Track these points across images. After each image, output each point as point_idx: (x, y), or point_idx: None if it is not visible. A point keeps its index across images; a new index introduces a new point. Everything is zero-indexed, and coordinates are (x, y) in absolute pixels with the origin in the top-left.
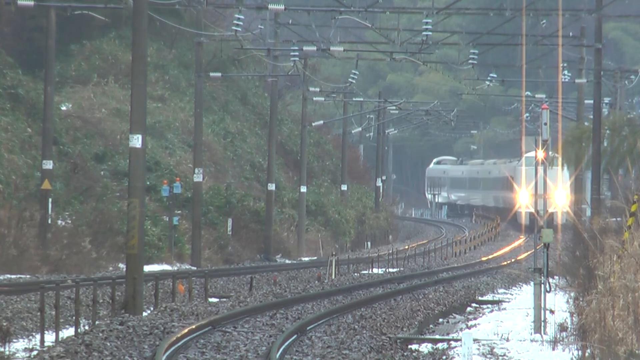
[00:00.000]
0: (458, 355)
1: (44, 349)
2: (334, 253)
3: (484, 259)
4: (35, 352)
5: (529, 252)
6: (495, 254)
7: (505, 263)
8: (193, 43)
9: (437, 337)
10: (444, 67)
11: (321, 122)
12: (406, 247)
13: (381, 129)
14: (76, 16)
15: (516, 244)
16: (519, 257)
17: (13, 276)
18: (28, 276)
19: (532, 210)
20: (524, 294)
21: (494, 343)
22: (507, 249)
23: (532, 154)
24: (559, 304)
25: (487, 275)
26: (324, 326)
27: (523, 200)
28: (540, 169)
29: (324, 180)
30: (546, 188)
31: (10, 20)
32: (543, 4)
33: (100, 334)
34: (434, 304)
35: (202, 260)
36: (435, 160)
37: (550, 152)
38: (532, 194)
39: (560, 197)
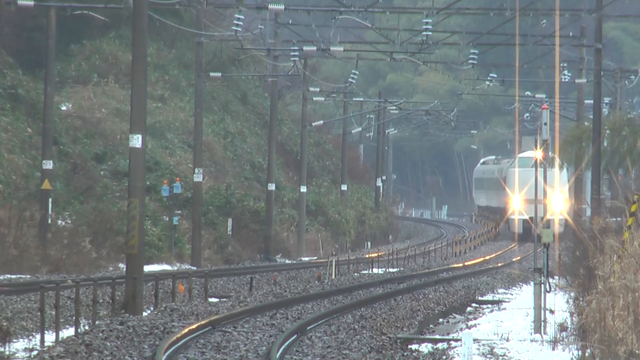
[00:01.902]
0: (458, 355)
1: (44, 349)
2: (333, 253)
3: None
4: (35, 352)
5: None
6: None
7: (500, 264)
8: (193, 43)
9: (437, 337)
10: (444, 67)
11: (321, 122)
12: (407, 247)
13: (381, 129)
14: (76, 16)
15: (511, 245)
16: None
17: (13, 276)
18: (28, 276)
19: (526, 216)
20: (524, 294)
21: (494, 343)
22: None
23: (526, 154)
24: (559, 304)
25: (487, 275)
26: (324, 326)
27: (516, 205)
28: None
29: (324, 180)
30: (542, 192)
31: (10, 20)
32: (543, 4)
33: (100, 334)
34: (434, 304)
35: (202, 260)
36: (482, 160)
37: (550, 153)
38: (525, 199)
39: (557, 202)
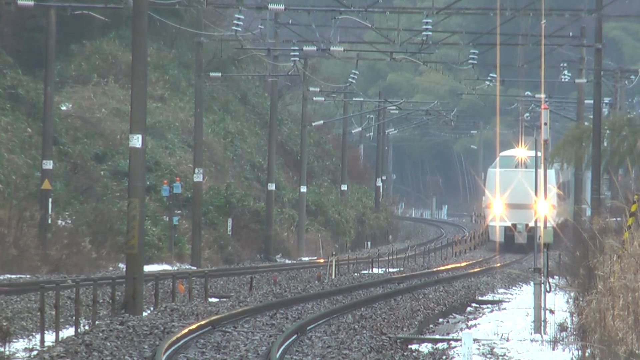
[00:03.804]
0: (458, 355)
1: (44, 349)
2: (333, 253)
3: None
4: (35, 352)
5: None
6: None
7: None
8: (193, 43)
9: (437, 337)
10: (444, 67)
11: (321, 122)
12: (407, 247)
13: (381, 129)
14: (76, 16)
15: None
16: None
17: (13, 276)
18: (28, 276)
19: (509, 223)
20: (524, 294)
21: (494, 343)
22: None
23: (509, 152)
24: (559, 304)
25: (487, 275)
26: (324, 326)
27: (497, 210)
28: (520, 172)
29: (324, 180)
30: (527, 196)
31: (10, 20)
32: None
33: (100, 334)
34: (434, 304)
35: (202, 260)
36: None
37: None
38: (507, 204)
39: (543, 207)
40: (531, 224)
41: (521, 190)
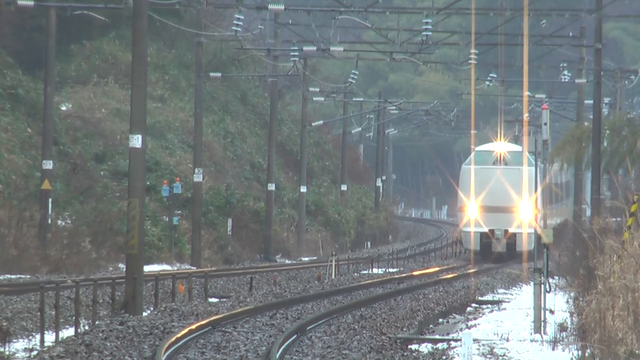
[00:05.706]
0: (458, 355)
1: (44, 349)
2: (333, 253)
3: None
4: (35, 352)
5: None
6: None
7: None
8: (193, 43)
9: (437, 337)
10: (444, 67)
11: (321, 122)
12: (407, 247)
13: (381, 129)
14: (76, 16)
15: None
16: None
17: (13, 276)
18: (28, 276)
19: (485, 229)
20: (524, 294)
21: (494, 343)
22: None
23: (486, 147)
24: (559, 304)
25: (487, 275)
26: (324, 326)
27: (471, 214)
28: (499, 170)
29: (324, 180)
30: (506, 197)
31: (10, 20)
32: (542, 4)
33: (100, 334)
34: (434, 304)
35: (202, 260)
36: None
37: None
38: (482, 206)
39: (525, 210)
40: (511, 230)
41: (500, 191)
